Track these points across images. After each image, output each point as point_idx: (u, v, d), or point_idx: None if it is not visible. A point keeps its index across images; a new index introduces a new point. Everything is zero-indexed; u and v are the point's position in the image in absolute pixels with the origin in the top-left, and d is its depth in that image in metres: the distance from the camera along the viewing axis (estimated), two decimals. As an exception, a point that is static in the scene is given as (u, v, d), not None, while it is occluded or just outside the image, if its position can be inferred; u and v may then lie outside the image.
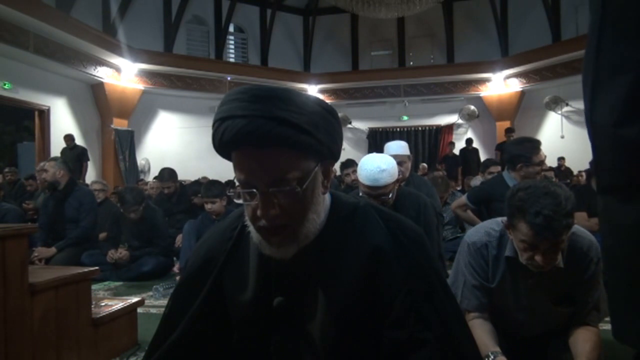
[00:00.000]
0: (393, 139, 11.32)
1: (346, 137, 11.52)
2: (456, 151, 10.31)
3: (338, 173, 6.23)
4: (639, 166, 0.51)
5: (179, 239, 4.45)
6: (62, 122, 8.29)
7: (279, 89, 0.77)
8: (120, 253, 3.94)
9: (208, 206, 3.59)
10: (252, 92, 0.75)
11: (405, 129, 11.66)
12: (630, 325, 0.55)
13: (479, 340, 1.38)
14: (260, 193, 0.76)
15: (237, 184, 0.80)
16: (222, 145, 0.77)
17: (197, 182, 6.12)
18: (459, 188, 6.92)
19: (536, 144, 2.61)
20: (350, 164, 4.73)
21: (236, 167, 0.78)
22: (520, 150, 2.59)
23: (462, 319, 0.90)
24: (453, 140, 10.84)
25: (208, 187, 3.66)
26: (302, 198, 0.78)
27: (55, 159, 4.35)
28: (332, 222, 0.87)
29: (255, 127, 0.72)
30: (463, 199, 3.08)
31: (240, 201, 0.79)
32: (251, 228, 0.82)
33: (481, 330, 1.45)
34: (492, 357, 1.36)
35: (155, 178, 8.04)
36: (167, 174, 5.01)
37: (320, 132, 0.76)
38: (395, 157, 2.32)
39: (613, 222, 0.56)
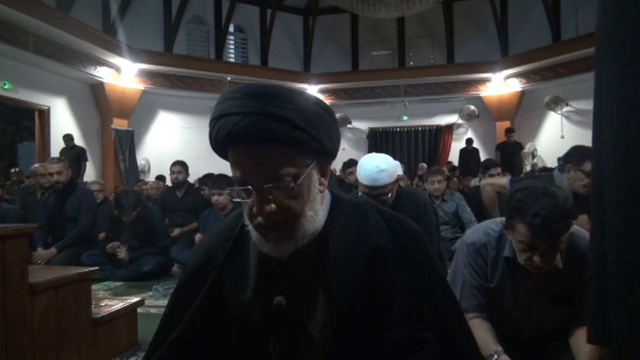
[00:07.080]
0: (393, 139, 11.57)
1: (346, 137, 11.51)
2: (455, 151, 10.28)
3: (338, 173, 6.23)
4: None
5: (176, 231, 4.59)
6: (62, 122, 8.28)
7: (272, 86, 0.77)
8: (120, 250, 3.97)
9: (215, 198, 3.76)
10: (245, 90, 0.76)
11: (405, 129, 11.65)
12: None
13: (480, 340, 1.37)
14: (255, 190, 0.76)
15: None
16: (218, 143, 0.78)
17: (207, 176, 6.08)
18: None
19: None
20: (354, 162, 4.76)
21: (232, 165, 0.79)
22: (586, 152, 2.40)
23: (462, 318, 0.90)
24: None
25: (217, 179, 3.88)
26: (297, 195, 0.78)
27: (60, 159, 4.34)
28: (332, 220, 0.87)
29: (248, 123, 0.73)
30: (504, 180, 2.91)
31: (237, 199, 0.80)
32: (250, 226, 0.83)
33: (482, 330, 1.45)
34: (495, 356, 1.36)
35: (156, 178, 8.04)
36: (179, 162, 5.00)
37: (315, 129, 0.77)
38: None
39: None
